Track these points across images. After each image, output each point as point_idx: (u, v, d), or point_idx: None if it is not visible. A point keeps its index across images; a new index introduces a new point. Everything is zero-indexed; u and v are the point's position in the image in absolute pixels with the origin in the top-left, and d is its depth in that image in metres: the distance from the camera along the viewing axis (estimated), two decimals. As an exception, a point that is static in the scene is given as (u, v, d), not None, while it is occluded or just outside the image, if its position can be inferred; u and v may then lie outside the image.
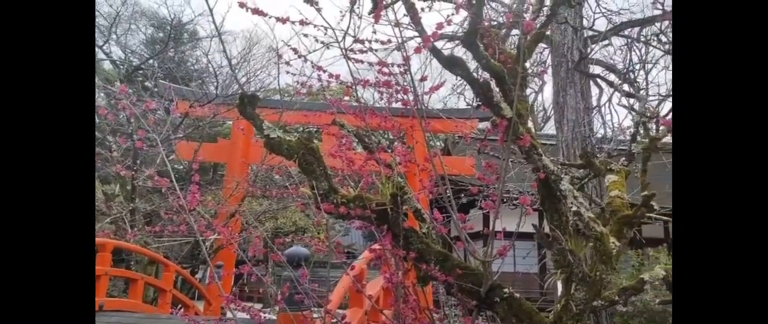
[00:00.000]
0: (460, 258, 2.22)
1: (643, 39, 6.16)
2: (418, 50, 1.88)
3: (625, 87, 5.83)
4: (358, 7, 2.34)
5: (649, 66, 6.17)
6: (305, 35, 2.27)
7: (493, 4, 6.04)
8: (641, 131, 3.06)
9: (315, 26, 2.18)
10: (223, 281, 9.40)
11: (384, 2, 1.98)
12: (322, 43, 2.33)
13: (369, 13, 2.21)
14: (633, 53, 6.15)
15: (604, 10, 6.40)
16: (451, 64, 1.90)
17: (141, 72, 15.29)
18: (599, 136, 6.81)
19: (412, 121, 2.37)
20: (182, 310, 7.92)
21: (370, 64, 2.28)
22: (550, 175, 1.95)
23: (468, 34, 1.85)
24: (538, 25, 2.38)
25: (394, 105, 2.36)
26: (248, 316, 1.96)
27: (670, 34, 5.70)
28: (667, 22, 5.44)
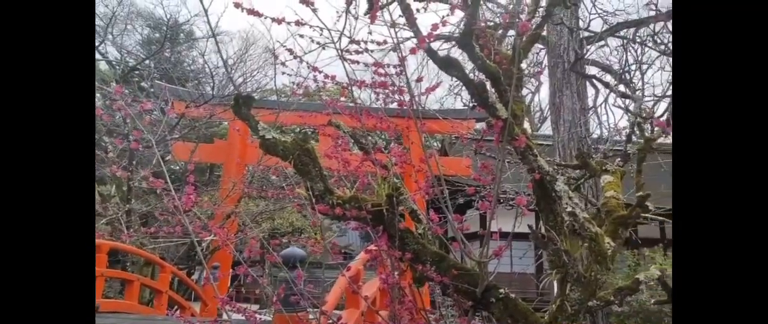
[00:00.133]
0: (457, 259, 2.22)
1: (638, 40, 6.19)
2: (413, 51, 1.88)
3: (621, 87, 5.86)
4: (355, 8, 2.34)
5: (645, 67, 6.20)
6: (301, 36, 2.27)
7: (489, 5, 6.05)
8: (636, 132, 3.07)
9: (310, 27, 2.18)
10: (219, 282, 9.38)
11: (380, 3, 1.98)
12: (318, 43, 2.33)
13: (365, 14, 2.21)
14: (629, 54, 6.18)
15: (600, 11, 6.42)
16: (447, 65, 1.90)
17: (137, 72, 15.26)
18: (595, 136, 6.83)
19: (408, 121, 2.37)
20: (178, 311, 7.89)
21: (366, 64, 2.28)
22: (546, 176, 1.95)
23: (463, 35, 1.85)
24: (533, 26, 2.38)
25: (390, 106, 2.36)
26: (244, 318, 1.96)
27: (665, 35, 5.72)
28: (662, 23, 5.46)
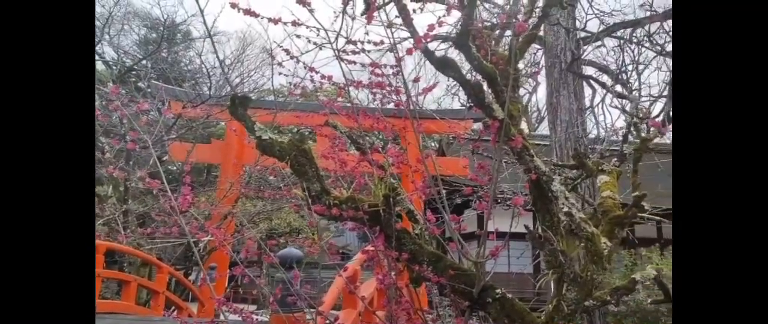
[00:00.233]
0: (456, 259, 2.22)
1: (635, 40, 6.20)
2: (410, 52, 1.88)
3: (618, 87, 5.87)
4: (352, 8, 2.34)
5: (642, 67, 6.21)
6: (297, 36, 2.27)
7: (487, 5, 6.06)
8: (633, 132, 3.08)
9: (307, 27, 2.18)
10: (216, 283, 9.37)
11: (376, 3, 1.99)
12: (315, 44, 2.33)
13: (361, 15, 2.21)
14: (625, 54, 6.20)
15: (596, 12, 6.44)
16: (443, 65, 1.90)
17: (134, 73, 15.22)
18: (592, 136, 6.85)
19: (405, 121, 2.37)
20: (175, 312, 7.88)
21: (363, 65, 2.28)
22: (542, 176, 1.95)
23: (460, 36, 1.85)
24: (530, 27, 2.39)
25: (387, 106, 2.36)
26: (240, 318, 1.95)
27: (662, 36, 5.74)
28: (657, 24, 5.48)
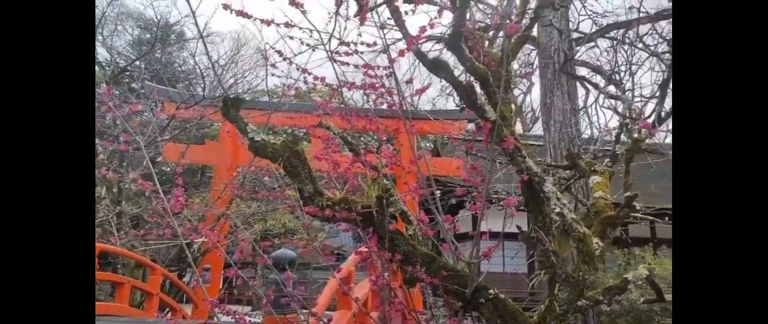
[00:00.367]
0: (451, 259, 2.23)
1: (628, 41, 6.24)
2: (402, 53, 1.88)
3: (612, 88, 5.90)
4: (346, 9, 2.34)
5: (635, 67, 6.25)
6: (290, 37, 2.27)
7: (481, 6, 6.07)
8: (625, 133, 3.10)
9: (300, 28, 2.18)
10: (211, 284, 9.34)
11: (369, 5, 1.99)
12: (308, 45, 2.33)
13: (354, 16, 2.21)
14: (618, 55, 6.23)
15: (589, 12, 6.47)
16: (436, 67, 1.91)
17: (127, 73, 15.15)
18: (586, 136, 6.88)
19: (399, 122, 2.38)
20: (169, 313, 7.85)
21: (356, 66, 2.29)
22: (534, 177, 1.96)
23: (452, 37, 1.86)
24: (522, 28, 2.40)
25: (381, 107, 2.36)
26: (234, 320, 1.95)
27: (654, 37, 5.78)
28: (649, 25, 5.51)
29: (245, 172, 9.81)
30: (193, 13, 2.12)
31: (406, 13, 1.82)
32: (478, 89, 2.06)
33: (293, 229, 13.21)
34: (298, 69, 2.29)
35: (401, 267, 2.17)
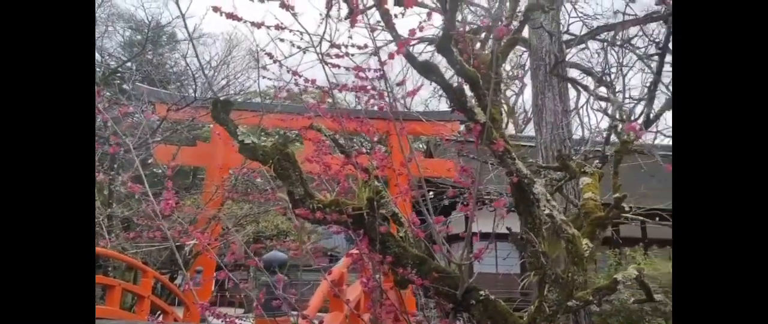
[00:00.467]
0: (443, 261, 2.23)
1: (618, 43, 6.28)
2: (391, 56, 1.89)
3: (603, 89, 5.94)
4: (338, 10, 2.35)
5: (626, 69, 6.29)
6: (281, 40, 2.27)
7: (472, 8, 6.09)
8: (614, 134, 3.12)
9: (291, 31, 2.18)
10: (202, 286, 9.28)
11: (360, 8, 1.99)
12: (299, 47, 2.33)
13: (345, 18, 2.22)
14: (609, 56, 6.27)
15: (580, 15, 6.51)
16: (426, 69, 1.91)
17: (118, 75, 15.05)
18: (577, 137, 6.92)
19: (389, 124, 2.38)
20: (161, 316, 7.80)
21: (347, 68, 2.29)
22: (524, 179, 1.97)
23: (442, 40, 1.87)
24: (513, 31, 2.41)
25: (373, 108, 2.37)
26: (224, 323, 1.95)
27: (643, 39, 5.82)
28: (637, 28, 5.56)
29: (237, 174, 9.78)
30: (183, 15, 2.12)
31: (396, 16, 1.83)
32: (468, 91, 2.07)
33: (286, 231, 13.18)
34: (288, 71, 2.29)
35: (392, 269, 2.17)
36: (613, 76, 5.62)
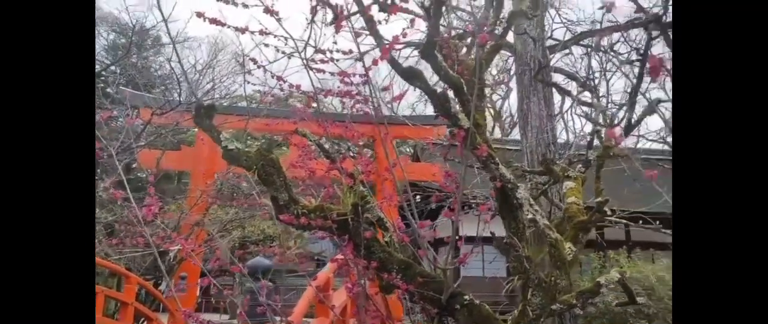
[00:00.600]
0: (429, 265, 2.24)
1: (602, 49, 6.37)
2: (375, 62, 1.90)
3: (587, 94, 6.01)
4: (324, 15, 2.35)
5: (609, 74, 6.38)
6: (266, 45, 2.27)
7: (459, 13, 6.14)
8: (597, 139, 3.16)
9: (275, 36, 2.18)
10: (187, 293, 9.18)
11: (344, 14, 2.00)
12: (283, 53, 2.33)
13: (330, 24, 2.22)
14: (593, 62, 6.35)
15: (564, 21, 6.60)
16: (410, 75, 1.92)
17: (102, 79, 14.85)
18: (562, 141, 6.99)
19: (374, 129, 2.39)
20: (145, 323, 7.69)
21: (332, 73, 2.29)
22: (507, 184, 1.99)
23: (426, 47, 1.88)
24: (497, 37, 2.43)
25: (359, 113, 2.37)
26: (208, 330, 1.93)
27: (627, 45, 5.92)
28: (617, 35, 5.65)
29: (222, 179, 9.70)
30: (165, 20, 2.11)
31: (379, 22, 1.84)
32: (452, 97, 2.08)
33: (272, 236, 13.08)
34: (273, 77, 2.29)
35: (377, 274, 2.17)
36: (596, 80, 5.70)
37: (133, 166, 11.38)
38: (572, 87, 6.77)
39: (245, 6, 1.88)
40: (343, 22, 1.99)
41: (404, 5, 1.90)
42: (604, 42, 5.79)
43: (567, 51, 6.76)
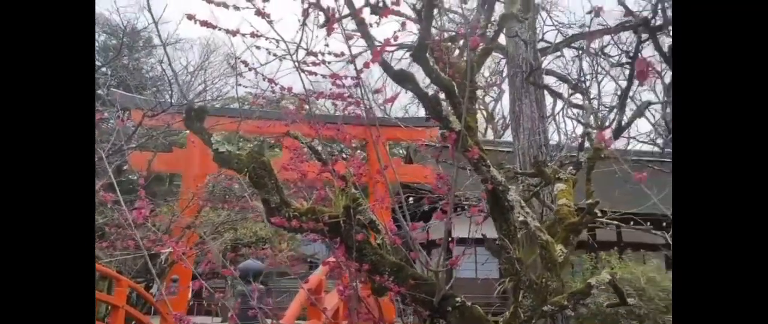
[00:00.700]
0: (422, 267, 2.24)
1: (593, 51, 6.42)
2: (367, 65, 1.90)
3: (578, 96, 6.06)
4: (316, 17, 2.35)
5: (600, 76, 6.42)
6: (257, 47, 2.27)
7: (451, 15, 6.16)
8: (587, 141, 3.18)
9: (267, 39, 2.17)
10: (179, 295, 9.12)
11: (336, 16, 2.00)
12: (275, 55, 2.33)
13: (322, 26, 2.23)
14: (584, 64, 6.40)
15: (555, 23, 6.64)
16: (401, 78, 1.93)
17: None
18: (554, 143, 7.03)
19: (366, 131, 2.39)
20: (136, 327, 7.63)
21: (324, 76, 2.29)
22: (498, 186, 2.00)
23: (417, 50, 1.89)
24: (489, 40, 2.45)
25: (350, 116, 2.37)
26: (199, 334, 1.92)
27: (617, 47, 5.96)
28: (607, 38, 5.70)
29: (214, 181, 9.65)
30: (155, 23, 2.10)
31: (371, 25, 1.84)
32: (443, 99, 2.09)
33: (265, 238, 13.03)
34: (265, 79, 2.29)
35: (369, 276, 2.17)
36: (587, 83, 5.74)
37: (124, 168, 11.30)
38: (563, 89, 6.81)
39: (237, 8, 1.88)
40: (335, 25, 1.99)
41: (396, 8, 1.91)
42: (595, 45, 5.83)
43: (558, 53, 6.80)
